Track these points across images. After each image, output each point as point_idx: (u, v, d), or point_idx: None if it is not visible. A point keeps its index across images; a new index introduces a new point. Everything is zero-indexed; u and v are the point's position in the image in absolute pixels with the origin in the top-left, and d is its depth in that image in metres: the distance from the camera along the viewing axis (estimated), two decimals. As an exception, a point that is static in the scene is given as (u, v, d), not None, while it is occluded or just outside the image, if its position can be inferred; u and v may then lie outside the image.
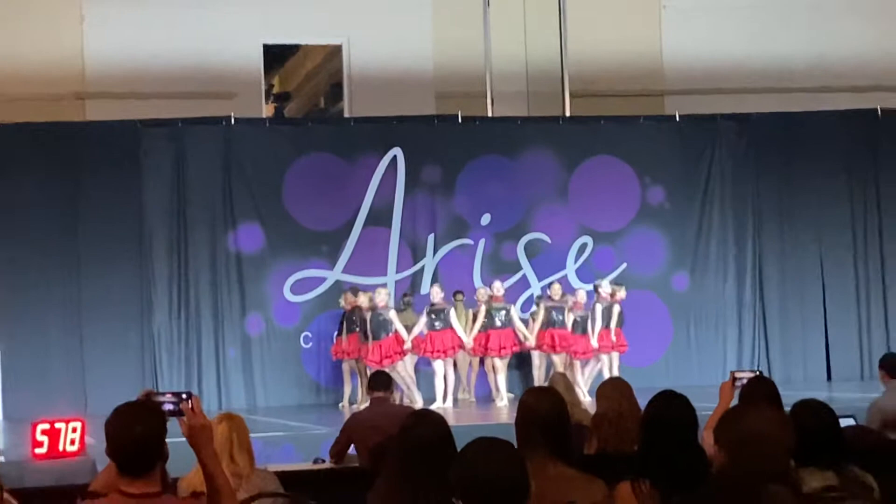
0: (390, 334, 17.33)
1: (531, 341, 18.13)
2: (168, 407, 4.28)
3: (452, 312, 17.78)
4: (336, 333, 18.44)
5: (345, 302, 18.31)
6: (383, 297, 17.66)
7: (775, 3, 21.83)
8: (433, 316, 17.74)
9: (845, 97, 21.35)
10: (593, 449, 7.85)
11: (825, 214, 20.80)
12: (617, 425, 7.72)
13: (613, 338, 18.15)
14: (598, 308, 18.22)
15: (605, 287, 18.47)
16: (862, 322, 20.83)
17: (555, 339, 18.00)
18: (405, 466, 4.50)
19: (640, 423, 7.39)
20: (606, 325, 18.18)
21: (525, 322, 18.48)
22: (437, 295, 17.91)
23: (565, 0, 20.94)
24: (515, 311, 18.45)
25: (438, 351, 17.67)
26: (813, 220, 20.76)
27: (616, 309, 18.30)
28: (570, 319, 18.01)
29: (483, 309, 18.04)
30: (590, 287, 18.73)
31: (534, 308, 18.85)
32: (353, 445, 9.18)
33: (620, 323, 18.31)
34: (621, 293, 18.51)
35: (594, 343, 18.05)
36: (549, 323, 18.03)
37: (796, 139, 20.76)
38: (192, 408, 4.31)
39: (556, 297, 18.23)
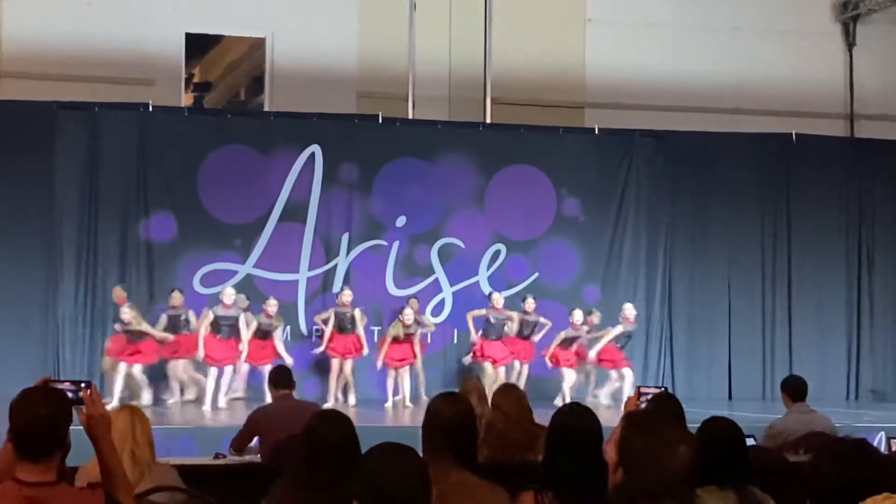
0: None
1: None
2: (67, 395, 4.20)
3: (357, 313, 17.89)
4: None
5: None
6: (230, 296, 17.56)
7: (698, 24, 22.05)
8: (341, 317, 17.78)
9: (762, 120, 21.63)
10: (483, 457, 7.80)
11: (736, 235, 21.06)
12: (503, 434, 7.70)
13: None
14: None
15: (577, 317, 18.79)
16: (766, 342, 21.11)
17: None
18: (308, 467, 4.46)
19: (528, 433, 7.42)
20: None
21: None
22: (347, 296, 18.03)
23: (491, 7, 20.99)
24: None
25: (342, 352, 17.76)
26: (724, 240, 21.01)
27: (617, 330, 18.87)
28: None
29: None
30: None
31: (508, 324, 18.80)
32: (256, 438, 9.12)
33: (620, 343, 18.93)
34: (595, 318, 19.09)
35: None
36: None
37: (712, 159, 21.00)
38: (92, 397, 4.24)
39: (530, 310, 18.72)
